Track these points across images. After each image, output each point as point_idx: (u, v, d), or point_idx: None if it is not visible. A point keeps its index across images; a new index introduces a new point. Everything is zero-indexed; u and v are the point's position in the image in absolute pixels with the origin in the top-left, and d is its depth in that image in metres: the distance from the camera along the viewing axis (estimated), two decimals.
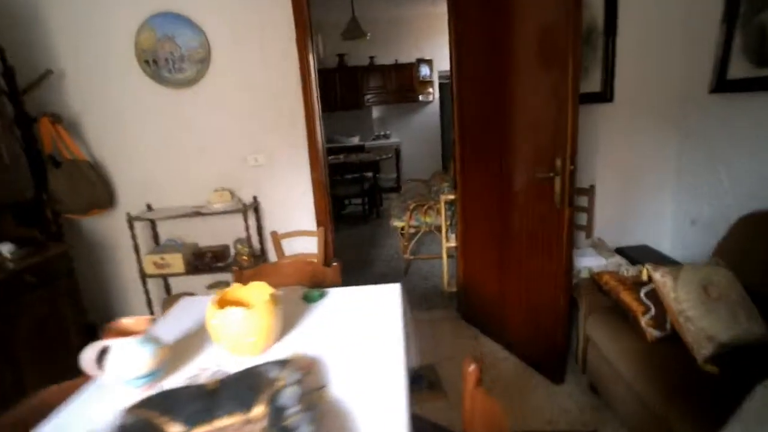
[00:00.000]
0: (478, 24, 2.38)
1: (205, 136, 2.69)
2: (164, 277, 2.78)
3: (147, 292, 2.66)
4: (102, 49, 2.52)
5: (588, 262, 2.39)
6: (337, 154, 6.53)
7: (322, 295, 1.50)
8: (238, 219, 2.71)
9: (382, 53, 7.40)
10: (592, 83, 2.51)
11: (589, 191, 2.65)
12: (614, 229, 2.71)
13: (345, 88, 7.30)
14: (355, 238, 5.06)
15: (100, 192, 2.53)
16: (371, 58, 7.31)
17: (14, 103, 2.31)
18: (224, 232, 2.81)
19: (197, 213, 2.56)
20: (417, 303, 3.29)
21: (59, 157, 2.43)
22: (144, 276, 2.62)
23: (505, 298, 2.50)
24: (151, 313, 2.72)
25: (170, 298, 2.83)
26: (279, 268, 1.77)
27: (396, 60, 7.31)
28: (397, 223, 3.81)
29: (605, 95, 2.49)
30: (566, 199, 1.93)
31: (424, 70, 7.42)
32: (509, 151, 2.30)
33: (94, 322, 2.74)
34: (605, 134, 2.57)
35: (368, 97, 7.37)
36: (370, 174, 5.81)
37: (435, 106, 7.74)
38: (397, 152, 6.16)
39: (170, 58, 2.52)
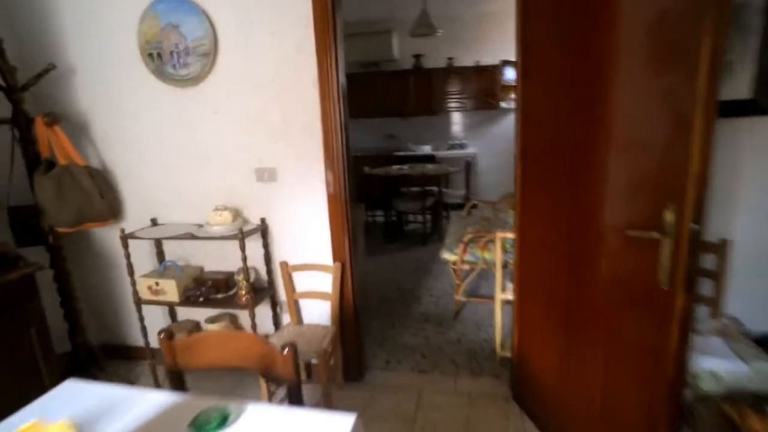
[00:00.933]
0: (553, 11, 1.66)
1: (211, 143, 2.30)
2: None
3: (142, 319, 2.34)
4: (106, 41, 2.25)
5: (713, 363, 1.54)
6: (403, 164, 5.98)
7: (222, 424, 0.94)
8: (251, 242, 2.29)
9: (463, 54, 6.70)
10: (738, 86, 1.64)
11: (719, 248, 1.77)
12: (759, 306, 1.79)
13: (419, 92, 6.73)
14: (406, 262, 4.45)
15: (97, 203, 2.25)
16: (450, 59, 6.65)
17: (11, 101, 2.11)
18: (235, 256, 2.39)
19: (192, 236, 2.16)
20: (462, 362, 2.60)
21: (57, 162, 2.19)
22: (139, 302, 2.30)
23: (570, 392, 1.74)
24: (147, 345, 2.39)
25: (171, 328, 2.49)
26: (223, 342, 1.25)
27: (477, 62, 6.56)
28: (448, 257, 3.14)
29: (760, 104, 1.61)
30: (680, 278, 1.16)
31: (509, 74, 6.56)
32: (587, 184, 1.55)
33: (92, 344, 2.50)
34: (756, 163, 1.68)
35: (444, 102, 6.72)
36: (435, 188, 5.15)
37: None
38: (468, 165, 5.42)
39: (175, 51, 2.16)
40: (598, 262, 1.53)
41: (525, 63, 1.85)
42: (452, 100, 6.70)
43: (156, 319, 2.53)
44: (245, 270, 2.13)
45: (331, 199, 2.22)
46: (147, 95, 2.29)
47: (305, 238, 2.33)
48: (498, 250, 2.41)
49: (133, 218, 2.47)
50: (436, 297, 3.57)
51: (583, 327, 1.64)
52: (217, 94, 2.23)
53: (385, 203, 5.04)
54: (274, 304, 2.42)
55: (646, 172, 1.29)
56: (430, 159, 6.58)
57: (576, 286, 1.67)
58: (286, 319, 2.45)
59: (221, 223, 2.18)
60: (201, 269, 2.47)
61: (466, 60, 6.69)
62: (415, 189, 5.14)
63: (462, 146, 6.92)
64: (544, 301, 1.92)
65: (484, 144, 6.99)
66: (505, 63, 6.54)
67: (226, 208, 2.23)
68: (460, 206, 5.15)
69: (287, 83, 2.15)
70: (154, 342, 2.44)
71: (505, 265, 2.51)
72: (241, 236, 2.07)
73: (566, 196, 1.68)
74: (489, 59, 6.56)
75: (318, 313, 2.40)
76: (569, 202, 1.66)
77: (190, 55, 2.18)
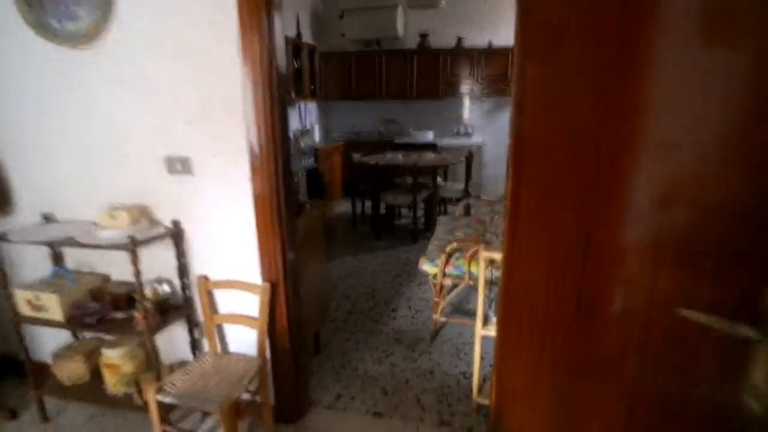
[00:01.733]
0: None
1: (113, 122, 1.79)
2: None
3: (22, 340, 1.88)
4: None
5: None
6: (403, 151, 5.42)
7: None
8: (163, 250, 1.80)
9: (474, 34, 6.04)
10: None
11: None
12: None
13: (424, 74, 6.11)
14: (391, 263, 3.93)
15: None
16: (459, 39, 5.99)
17: None
18: (150, 263, 1.89)
19: (75, 242, 1.67)
20: (430, 403, 2.10)
21: None
22: (18, 320, 1.83)
23: None
24: (31, 371, 1.93)
25: (63, 351, 2.02)
26: None
27: (490, 43, 5.90)
28: (428, 268, 2.60)
29: None
30: None
31: None
32: (610, 214, 1.00)
33: None
34: None
35: (451, 86, 6.09)
36: (430, 181, 4.59)
37: None
38: (470, 157, 4.83)
39: None
40: (624, 333, 0.98)
41: (526, 34, 1.27)
42: (460, 84, 6.07)
43: (53, 335, 2.07)
44: (140, 291, 1.63)
45: (259, 201, 1.70)
46: (27, 55, 1.78)
47: (230, 249, 1.82)
48: (482, 272, 1.87)
49: (27, 212, 1.99)
50: (414, 310, 3.05)
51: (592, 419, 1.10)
52: (118, 58, 1.71)
53: (375, 195, 4.51)
54: (192, 327, 1.93)
55: (726, 208, 0.74)
56: (431, 147, 6.00)
57: (588, 356, 1.13)
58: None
59: (115, 226, 1.68)
60: (105, 279, 1.98)
61: (477, 41, 6.04)
62: (410, 180, 4.59)
63: (468, 134, 6.31)
64: (535, 354, 1.38)
65: (493, 133, 6.36)
66: None
67: (125, 208, 1.72)
68: (459, 201, 4.58)
69: (206, 50, 1.62)
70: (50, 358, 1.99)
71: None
72: (132, 247, 1.57)
73: (572, 227, 1.12)
74: (503, 40, 5.90)
75: (247, 340, 1.91)
76: (575, 235, 1.11)
77: (80, 4, 1.65)
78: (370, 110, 6.65)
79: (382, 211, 4.85)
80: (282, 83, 1.69)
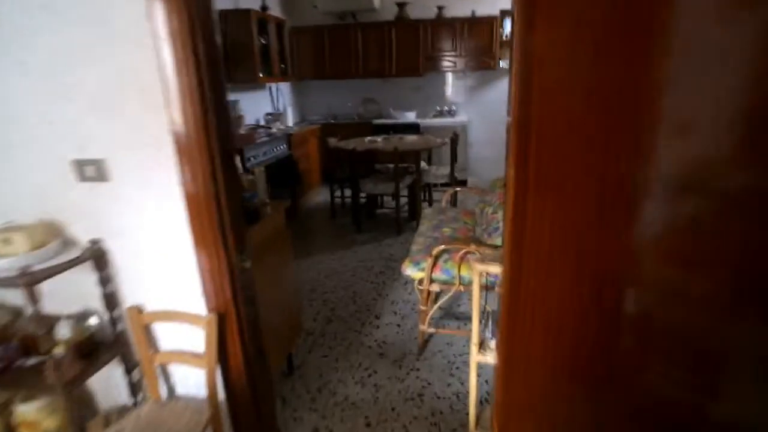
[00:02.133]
0: None
1: (3, 109, 1.38)
2: None
3: None
4: None
5: None
6: (384, 133, 5.03)
7: None
8: (84, 275, 1.43)
9: (455, 2, 5.60)
10: None
11: None
12: None
13: (403, 49, 5.67)
14: (374, 258, 3.60)
15: None
16: (439, 9, 5.55)
17: None
18: (76, 293, 1.52)
19: None
20: (419, 428, 1.81)
21: None
22: None
23: None
24: None
25: None
26: None
27: (473, 12, 5.47)
28: (412, 273, 2.29)
29: None
30: None
31: (509, 28, 5.50)
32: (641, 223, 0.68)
33: None
34: None
35: (433, 61, 5.67)
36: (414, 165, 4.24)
37: None
38: (454, 139, 4.48)
39: None
40: None
41: None
42: (442, 58, 5.65)
43: None
44: (43, 338, 1.27)
45: (192, 206, 1.34)
46: None
47: (165, 271, 1.46)
48: (476, 290, 1.55)
49: None
50: (400, 316, 2.74)
51: None
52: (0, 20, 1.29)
53: (354, 184, 4.14)
54: (129, 367, 1.58)
55: None
56: (414, 129, 5.62)
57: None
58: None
59: (8, 254, 1.30)
60: (16, 313, 1.61)
61: (459, 10, 5.61)
62: (392, 166, 4.23)
63: (451, 113, 5.93)
64: (550, 400, 1.08)
65: (478, 111, 6.00)
66: (505, 14, 5.46)
67: (23, 228, 1.34)
68: (446, 187, 4.26)
69: (117, 18, 1.22)
70: None
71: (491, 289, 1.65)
72: (28, 282, 1.20)
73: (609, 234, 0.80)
74: (486, 9, 5.49)
75: (196, 381, 1.57)
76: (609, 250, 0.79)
77: None
78: (348, 90, 6.21)
79: (363, 200, 4.50)
80: (217, 60, 1.31)
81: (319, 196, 5.54)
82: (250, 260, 1.51)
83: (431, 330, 2.39)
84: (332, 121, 6.10)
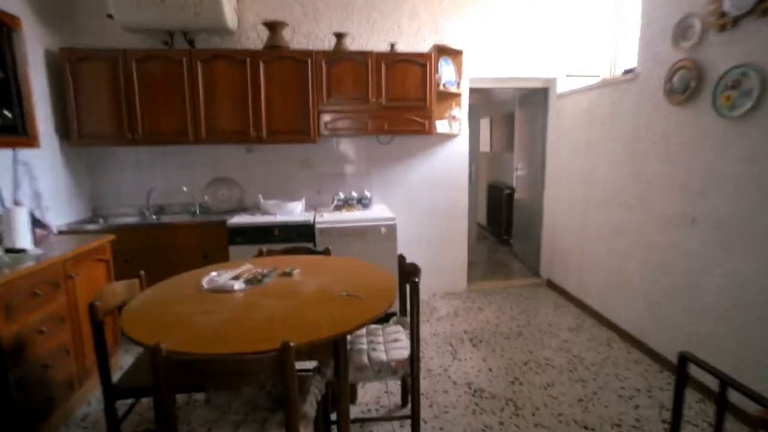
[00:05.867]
0: None
1: None
2: None
3: None
4: None
5: None
6: (248, 248, 2.44)
7: None
8: None
9: (363, 30, 3.51)
10: None
11: None
12: None
13: (280, 95, 3.25)
14: None
15: None
16: (338, 37, 3.35)
17: None
18: None
19: None
20: None
21: None
22: None
23: None
24: None
25: None
26: None
27: (392, 45, 3.39)
28: None
29: None
30: None
31: (447, 72, 3.53)
32: None
33: None
34: None
35: (328, 118, 3.34)
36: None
37: (461, 146, 3.81)
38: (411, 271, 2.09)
39: None
40: None
41: None
42: (341, 115, 3.37)
43: None
44: None
45: None
46: None
47: None
48: None
49: None
50: None
51: None
52: None
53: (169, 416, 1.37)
54: None
55: None
56: (304, 232, 3.12)
57: None
58: None
59: None
60: None
61: (371, 42, 3.51)
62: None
63: (364, 203, 3.60)
64: None
65: (403, 200, 3.80)
66: (442, 52, 3.50)
67: None
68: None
69: None
70: None
71: None
72: None
73: None
74: (413, 43, 3.49)
75: None
76: None
77: None
78: (182, 163, 3.51)
79: None
80: None
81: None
82: None
83: None
84: (154, 221, 3.28)
